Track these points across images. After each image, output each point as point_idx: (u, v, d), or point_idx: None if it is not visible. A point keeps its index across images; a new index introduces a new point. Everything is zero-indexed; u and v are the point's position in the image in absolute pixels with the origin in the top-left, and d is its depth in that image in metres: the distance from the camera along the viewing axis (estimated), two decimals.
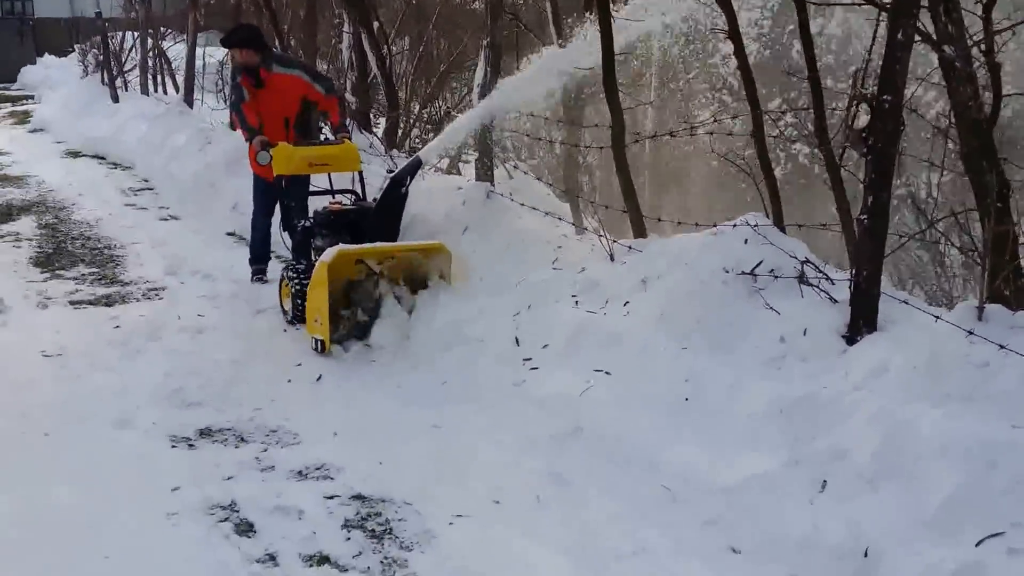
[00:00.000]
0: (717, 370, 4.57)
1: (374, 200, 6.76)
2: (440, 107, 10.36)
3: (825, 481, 3.83)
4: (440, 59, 10.75)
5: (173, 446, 4.86)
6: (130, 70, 18.75)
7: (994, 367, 3.82)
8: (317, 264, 5.98)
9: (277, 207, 7.47)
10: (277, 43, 11.22)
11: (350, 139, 7.21)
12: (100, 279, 7.84)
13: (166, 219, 10.42)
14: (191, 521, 4.14)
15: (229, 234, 9.41)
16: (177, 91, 17.15)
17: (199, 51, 15.62)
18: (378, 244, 6.26)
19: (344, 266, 6.03)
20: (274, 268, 7.53)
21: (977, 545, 3.31)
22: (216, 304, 6.99)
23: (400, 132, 9.46)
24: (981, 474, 3.46)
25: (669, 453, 4.35)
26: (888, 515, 3.56)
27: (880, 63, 4.29)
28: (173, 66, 17.84)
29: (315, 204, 7.01)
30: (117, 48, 18.44)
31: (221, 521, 4.15)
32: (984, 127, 4.67)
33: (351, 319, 6.14)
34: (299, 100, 7.29)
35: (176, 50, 18.73)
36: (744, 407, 4.33)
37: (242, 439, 4.97)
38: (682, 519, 4.05)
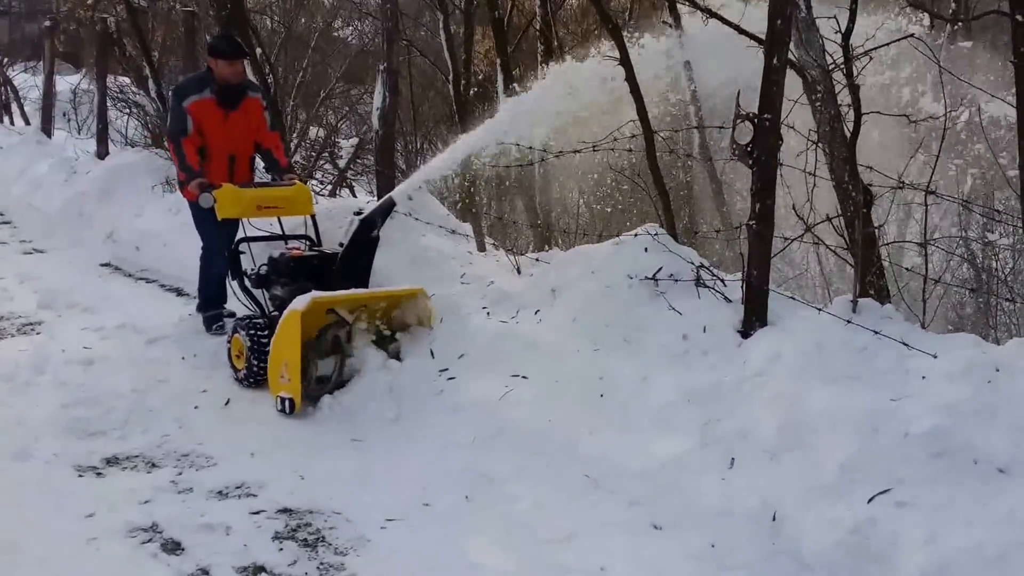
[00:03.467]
0: (628, 367, 5.03)
1: (340, 244, 6.31)
2: (320, 131, 10.67)
3: (733, 458, 4.36)
4: (321, 85, 11.08)
5: (80, 475, 4.83)
6: None
7: (871, 350, 4.45)
8: (287, 313, 5.52)
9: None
10: (148, 69, 11.34)
11: (302, 181, 6.79)
12: None
13: (31, 252, 10.20)
14: (113, 544, 4.15)
15: (104, 265, 9.33)
16: (26, 121, 16.86)
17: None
18: (354, 291, 5.87)
19: (315, 316, 5.62)
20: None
21: (869, 502, 3.87)
22: (102, 336, 6.81)
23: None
24: (868, 441, 4.04)
25: (589, 444, 4.77)
26: (791, 482, 4.09)
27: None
28: (21, 95, 17.53)
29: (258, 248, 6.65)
30: None
31: (145, 542, 4.18)
32: (848, 141, 5.37)
33: (327, 375, 5.71)
34: (255, 132, 6.71)
35: (22, 79, 18.40)
36: (655, 398, 4.80)
37: (154, 464, 4.99)
38: (606, 503, 4.44)
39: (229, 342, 6.19)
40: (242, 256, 6.54)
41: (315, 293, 5.57)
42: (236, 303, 6.78)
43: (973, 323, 7.09)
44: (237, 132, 6.61)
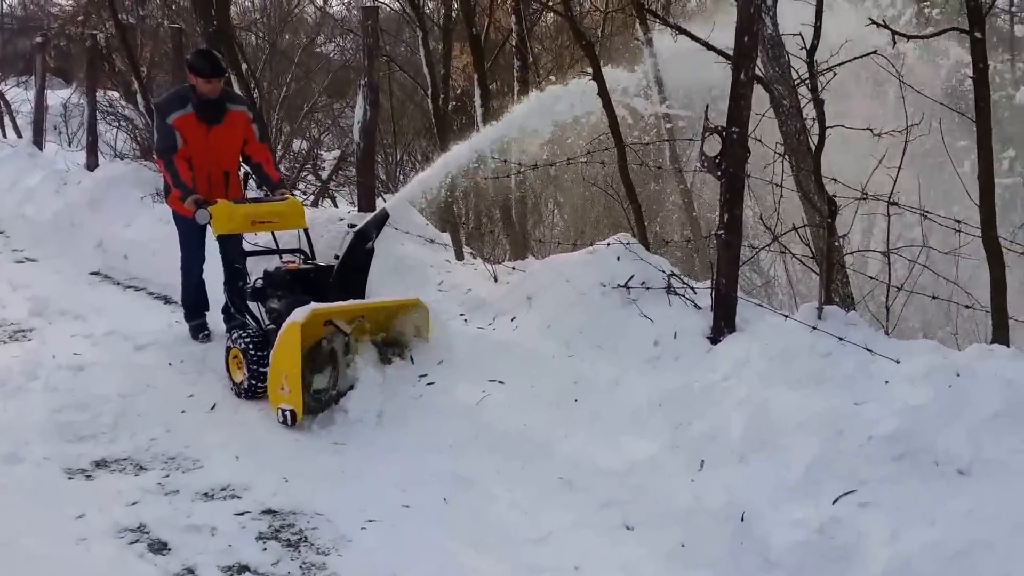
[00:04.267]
0: (601, 372, 5.04)
1: (336, 256, 6.22)
2: (303, 143, 10.67)
3: (703, 460, 4.35)
4: (304, 99, 11.09)
5: (70, 478, 4.82)
6: None
7: (836, 356, 4.47)
8: (287, 324, 5.38)
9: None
10: (136, 84, 11.30)
11: (292, 195, 6.63)
12: None
13: (22, 261, 10.07)
14: (102, 544, 4.15)
15: (94, 273, 9.26)
16: (18, 134, 16.75)
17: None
18: (352, 302, 5.78)
19: (313, 327, 5.45)
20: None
21: (834, 502, 3.88)
22: (92, 342, 6.77)
23: None
24: (833, 443, 4.05)
25: (564, 446, 4.77)
26: (759, 483, 4.09)
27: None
28: (13, 109, 17.43)
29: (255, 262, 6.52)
30: None
31: (133, 542, 4.19)
32: (813, 153, 5.38)
33: (326, 387, 5.56)
34: (242, 143, 6.56)
35: (14, 93, 18.30)
36: (627, 402, 4.81)
37: (141, 467, 4.98)
38: (580, 504, 4.44)
39: (227, 355, 6.06)
40: (239, 269, 6.41)
41: (314, 305, 5.44)
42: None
43: (935, 329, 7.13)
44: (220, 146, 6.49)
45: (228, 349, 6.04)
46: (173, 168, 6.26)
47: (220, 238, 6.35)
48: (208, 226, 6.26)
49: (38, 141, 14.51)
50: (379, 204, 7.22)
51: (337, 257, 6.17)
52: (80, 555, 4.07)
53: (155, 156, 6.57)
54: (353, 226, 6.29)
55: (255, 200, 6.57)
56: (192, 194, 6.20)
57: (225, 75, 6.44)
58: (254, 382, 5.79)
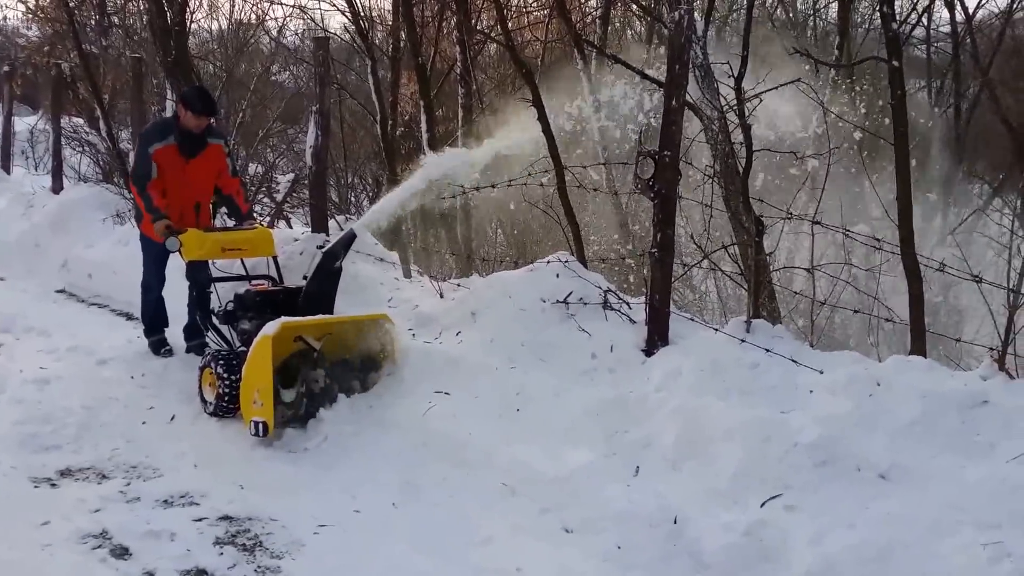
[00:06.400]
0: (542, 383, 5.01)
1: (304, 277, 6.10)
2: (259, 167, 10.56)
3: (638, 466, 4.33)
4: (260, 125, 10.99)
5: (36, 487, 4.76)
6: None
7: (763, 367, 4.48)
8: (258, 338, 5.26)
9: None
10: (99, 111, 11.12)
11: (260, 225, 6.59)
12: None
13: None
14: (66, 550, 4.10)
15: (59, 291, 9.17)
16: None
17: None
18: (321, 317, 5.64)
19: (284, 342, 5.33)
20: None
21: (762, 506, 3.87)
22: (57, 357, 6.63)
23: None
24: (760, 450, 4.05)
25: (506, 454, 4.71)
26: (690, 488, 4.08)
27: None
28: None
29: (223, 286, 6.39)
30: None
31: (96, 548, 4.14)
32: (740, 175, 5.39)
33: (298, 401, 5.42)
34: (216, 176, 6.48)
35: None
36: (566, 411, 4.77)
37: (104, 476, 4.92)
38: (521, 508, 4.40)
39: (200, 375, 5.89)
40: (209, 294, 6.35)
41: (284, 319, 5.31)
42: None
43: (857, 341, 7.17)
44: (196, 178, 6.39)
45: (202, 369, 5.86)
46: (146, 195, 6.18)
47: (189, 264, 6.25)
48: (178, 252, 6.15)
49: (5, 165, 14.34)
50: (332, 225, 7.16)
51: (305, 277, 6.06)
52: (45, 560, 4.02)
53: (130, 181, 6.43)
54: (322, 247, 6.20)
55: (225, 229, 6.50)
56: (164, 218, 6.13)
57: (216, 116, 6.37)
58: (225, 401, 5.64)
